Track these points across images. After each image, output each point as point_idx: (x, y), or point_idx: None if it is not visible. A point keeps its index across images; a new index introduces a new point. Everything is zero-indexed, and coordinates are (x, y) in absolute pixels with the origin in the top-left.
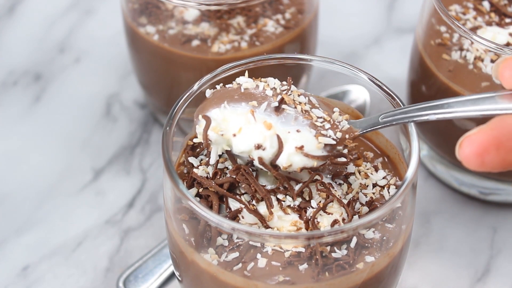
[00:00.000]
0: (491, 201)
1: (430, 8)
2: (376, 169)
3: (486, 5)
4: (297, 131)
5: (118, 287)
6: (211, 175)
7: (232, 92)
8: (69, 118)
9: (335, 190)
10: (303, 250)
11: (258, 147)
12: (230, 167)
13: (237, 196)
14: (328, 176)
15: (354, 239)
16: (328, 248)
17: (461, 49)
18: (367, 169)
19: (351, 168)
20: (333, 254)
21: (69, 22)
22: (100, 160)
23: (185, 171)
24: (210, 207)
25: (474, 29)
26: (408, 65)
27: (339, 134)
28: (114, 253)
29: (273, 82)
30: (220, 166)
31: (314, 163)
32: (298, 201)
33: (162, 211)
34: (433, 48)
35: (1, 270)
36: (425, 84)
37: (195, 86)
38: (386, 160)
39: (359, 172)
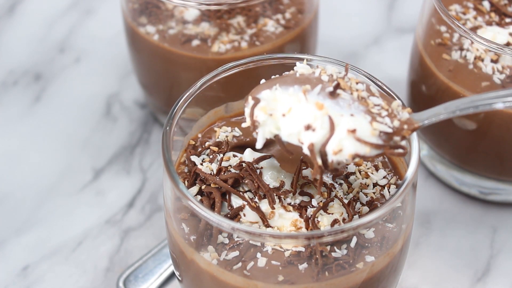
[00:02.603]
0: (491, 201)
1: (430, 8)
2: (377, 169)
3: (486, 5)
4: (351, 115)
5: (118, 287)
6: (215, 172)
7: (286, 77)
8: (69, 118)
9: (336, 191)
10: (303, 249)
11: (308, 127)
12: (233, 165)
13: (240, 193)
14: (329, 176)
15: (354, 239)
16: (328, 247)
17: (461, 49)
18: (368, 168)
19: (351, 167)
20: (333, 254)
21: (69, 22)
22: (100, 160)
23: (185, 170)
24: (213, 205)
25: (474, 29)
26: (408, 65)
27: (396, 123)
28: (114, 253)
29: (331, 68)
30: (224, 164)
31: (367, 150)
32: (299, 199)
33: (162, 211)
34: (433, 48)
35: (1, 270)
36: (425, 84)
37: (195, 86)
38: (386, 159)
39: (360, 172)
